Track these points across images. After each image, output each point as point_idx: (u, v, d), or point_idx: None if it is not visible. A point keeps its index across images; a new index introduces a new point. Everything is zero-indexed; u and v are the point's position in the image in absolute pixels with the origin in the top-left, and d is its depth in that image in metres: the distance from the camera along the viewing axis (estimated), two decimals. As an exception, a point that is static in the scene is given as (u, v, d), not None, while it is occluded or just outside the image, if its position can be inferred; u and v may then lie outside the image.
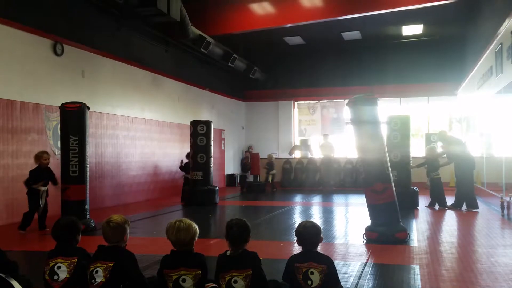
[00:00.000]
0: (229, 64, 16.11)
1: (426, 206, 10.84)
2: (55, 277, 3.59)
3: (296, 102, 20.51)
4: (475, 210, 10.01)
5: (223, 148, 18.36)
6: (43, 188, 7.87)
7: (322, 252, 3.76)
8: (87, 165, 8.11)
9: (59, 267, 3.62)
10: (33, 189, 7.80)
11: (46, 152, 8.11)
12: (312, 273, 3.47)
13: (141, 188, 12.96)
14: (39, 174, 7.86)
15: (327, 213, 10.62)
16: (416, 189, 11.00)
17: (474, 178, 10.54)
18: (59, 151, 8.42)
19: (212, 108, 17.60)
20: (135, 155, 12.76)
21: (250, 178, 17.97)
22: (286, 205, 11.96)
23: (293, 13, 14.11)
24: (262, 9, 14.21)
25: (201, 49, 13.98)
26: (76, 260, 3.66)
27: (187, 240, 3.52)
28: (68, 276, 3.59)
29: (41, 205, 7.86)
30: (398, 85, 18.30)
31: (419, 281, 4.66)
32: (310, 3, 13.81)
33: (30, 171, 7.95)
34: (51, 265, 3.64)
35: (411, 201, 10.57)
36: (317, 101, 20.19)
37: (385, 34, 17.38)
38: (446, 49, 17.89)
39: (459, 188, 10.50)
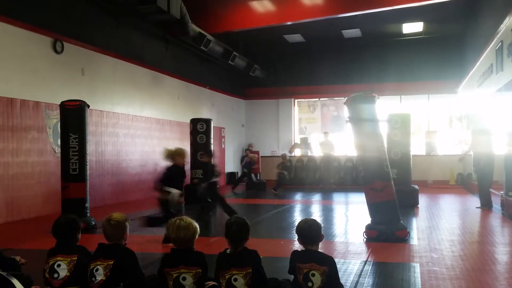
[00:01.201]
0: (229, 62, 16.09)
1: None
2: (55, 275, 3.59)
3: (296, 100, 20.50)
4: (488, 209, 9.76)
5: (223, 146, 18.36)
6: (174, 191, 6.69)
7: (324, 252, 3.74)
8: (87, 163, 8.10)
9: (59, 265, 3.61)
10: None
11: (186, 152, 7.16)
12: (313, 274, 3.44)
13: (141, 186, 12.95)
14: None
15: (327, 211, 10.62)
16: (416, 187, 10.99)
17: (492, 176, 10.04)
18: (59, 149, 8.41)
19: (212, 106, 17.59)
20: (135, 153, 12.76)
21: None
22: (286, 203, 11.97)
23: (293, 11, 14.09)
24: (262, 6, 14.19)
25: (201, 47, 13.96)
26: (76, 258, 3.65)
27: (187, 238, 3.52)
28: (68, 274, 3.59)
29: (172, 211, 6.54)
30: (398, 83, 18.28)
31: (419, 279, 4.66)
32: (310, 1, 13.78)
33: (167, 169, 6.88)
34: (51, 263, 3.64)
35: (411, 199, 10.56)
36: (317, 99, 20.18)
37: (385, 32, 17.35)
38: (446, 47, 17.87)
39: (481, 186, 10.09)
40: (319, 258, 3.54)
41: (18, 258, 3.99)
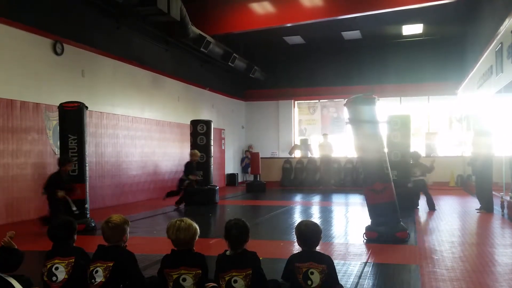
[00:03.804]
0: (229, 63, 16.10)
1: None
2: (54, 278, 3.58)
3: (296, 102, 20.50)
4: (489, 213, 9.64)
5: (223, 147, 18.36)
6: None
7: (322, 252, 3.75)
8: (87, 164, 8.11)
9: (57, 268, 3.61)
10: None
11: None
12: (312, 273, 3.46)
13: (141, 187, 12.96)
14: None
15: (327, 213, 10.62)
16: (416, 188, 10.98)
17: (492, 178, 9.98)
18: (59, 151, 8.41)
19: (212, 108, 17.59)
20: (135, 154, 12.76)
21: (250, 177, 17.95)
22: (286, 204, 11.97)
23: (293, 12, 14.10)
24: (262, 8, 14.20)
25: (201, 49, 13.97)
26: (73, 260, 3.65)
27: (187, 239, 3.52)
28: (66, 276, 3.59)
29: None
30: (398, 85, 18.28)
31: (419, 280, 4.66)
32: (310, 3, 13.80)
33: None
34: (48, 266, 3.63)
35: (411, 200, 10.55)
36: (317, 101, 20.18)
37: (385, 33, 17.36)
38: (446, 49, 17.88)
39: (479, 189, 10.10)
40: (317, 257, 3.58)
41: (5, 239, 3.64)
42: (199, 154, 11.61)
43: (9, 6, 8.93)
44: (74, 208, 7.54)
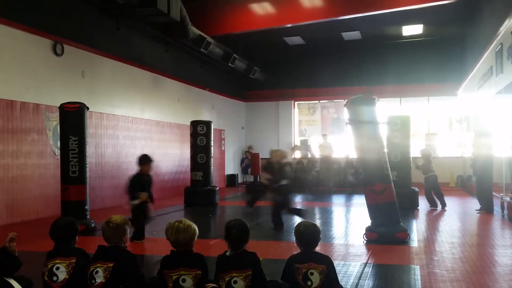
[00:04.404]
0: (229, 64, 16.10)
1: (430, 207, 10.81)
2: (54, 278, 3.58)
3: (296, 102, 20.50)
4: (489, 213, 9.65)
5: (223, 148, 18.36)
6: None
7: (321, 252, 3.75)
8: (87, 165, 8.09)
9: (58, 268, 3.61)
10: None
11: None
12: (312, 273, 3.46)
13: (141, 188, 12.92)
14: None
15: (327, 214, 10.61)
16: (416, 189, 10.99)
17: (492, 179, 10.03)
18: (59, 151, 8.41)
19: (212, 108, 17.59)
20: (135, 155, 12.65)
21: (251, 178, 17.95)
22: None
23: (293, 13, 14.09)
24: (262, 9, 14.20)
25: (201, 49, 13.97)
26: (74, 260, 3.65)
27: (186, 240, 3.52)
28: (67, 276, 3.59)
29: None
30: (398, 85, 18.28)
31: (419, 281, 4.66)
32: (310, 3, 13.80)
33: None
34: (49, 266, 3.63)
35: (411, 201, 10.56)
36: (317, 101, 20.18)
37: (385, 34, 17.35)
38: (446, 49, 17.88)
39: (479, 190, 10.13)
40: (316, 257, 3.59)
41: (7, 243, 3.61)
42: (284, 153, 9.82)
43: (9, 6, 8.94)
44: (152, 215, 7.09)
